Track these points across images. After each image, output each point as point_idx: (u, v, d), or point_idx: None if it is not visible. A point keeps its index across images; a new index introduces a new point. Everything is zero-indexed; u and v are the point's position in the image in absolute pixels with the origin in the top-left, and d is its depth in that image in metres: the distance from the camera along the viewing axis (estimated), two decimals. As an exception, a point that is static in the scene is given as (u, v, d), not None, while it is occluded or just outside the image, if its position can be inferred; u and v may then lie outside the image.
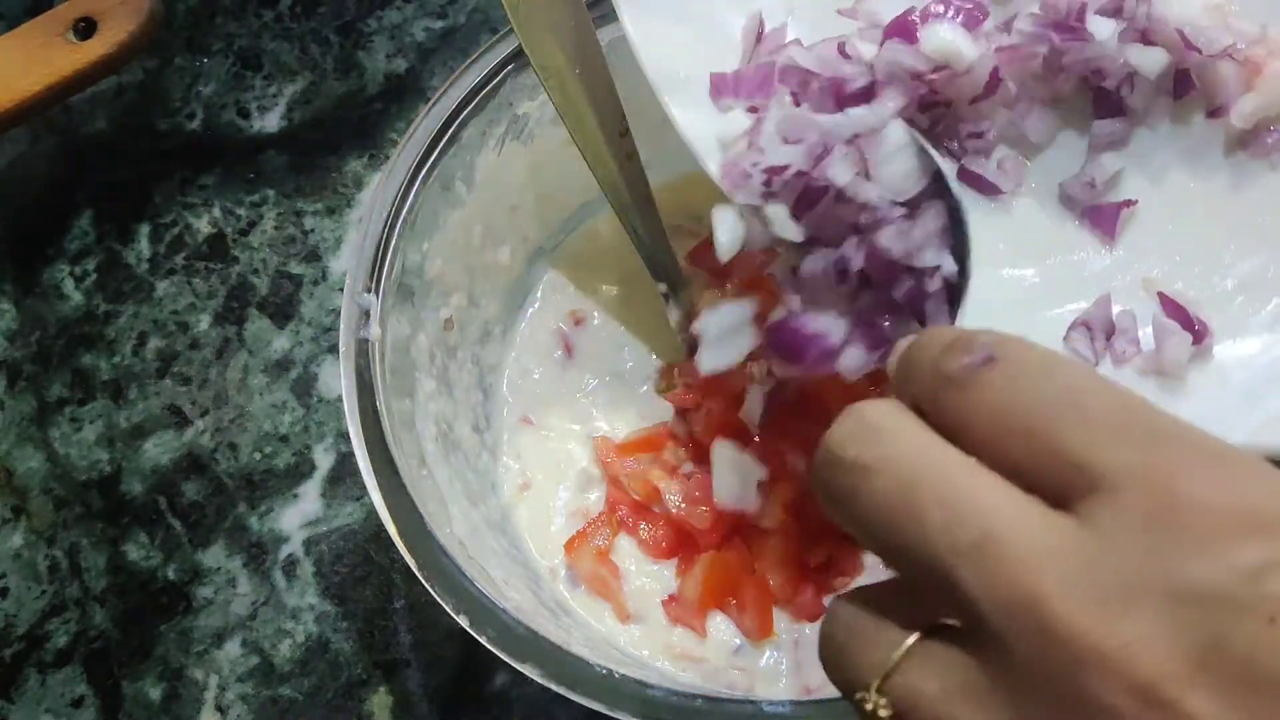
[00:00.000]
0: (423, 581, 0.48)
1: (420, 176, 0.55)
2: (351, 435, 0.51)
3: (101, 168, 0.79)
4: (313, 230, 0.76)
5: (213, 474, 0.70)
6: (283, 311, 0.74)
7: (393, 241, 0.54)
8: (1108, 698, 0.26)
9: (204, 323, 0.74)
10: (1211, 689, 0.25)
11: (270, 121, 0.80)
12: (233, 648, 0.65)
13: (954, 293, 0.45)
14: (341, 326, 0.53)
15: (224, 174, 0.78)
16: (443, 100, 0.56)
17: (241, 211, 0.77)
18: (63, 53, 0.71)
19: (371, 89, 0.80)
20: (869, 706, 0.30)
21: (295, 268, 0.75)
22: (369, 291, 0.53)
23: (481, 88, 0.57)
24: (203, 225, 0.77)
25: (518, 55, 0.57)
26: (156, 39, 0.75)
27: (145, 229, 0.77)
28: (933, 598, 0.29)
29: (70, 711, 0.65)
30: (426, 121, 0.56)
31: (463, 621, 0.47)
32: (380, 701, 0.63)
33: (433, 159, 0.56)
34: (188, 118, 0.80)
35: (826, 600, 0.57)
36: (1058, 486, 0.29)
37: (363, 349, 0.52)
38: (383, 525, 0.49)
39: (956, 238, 0.45)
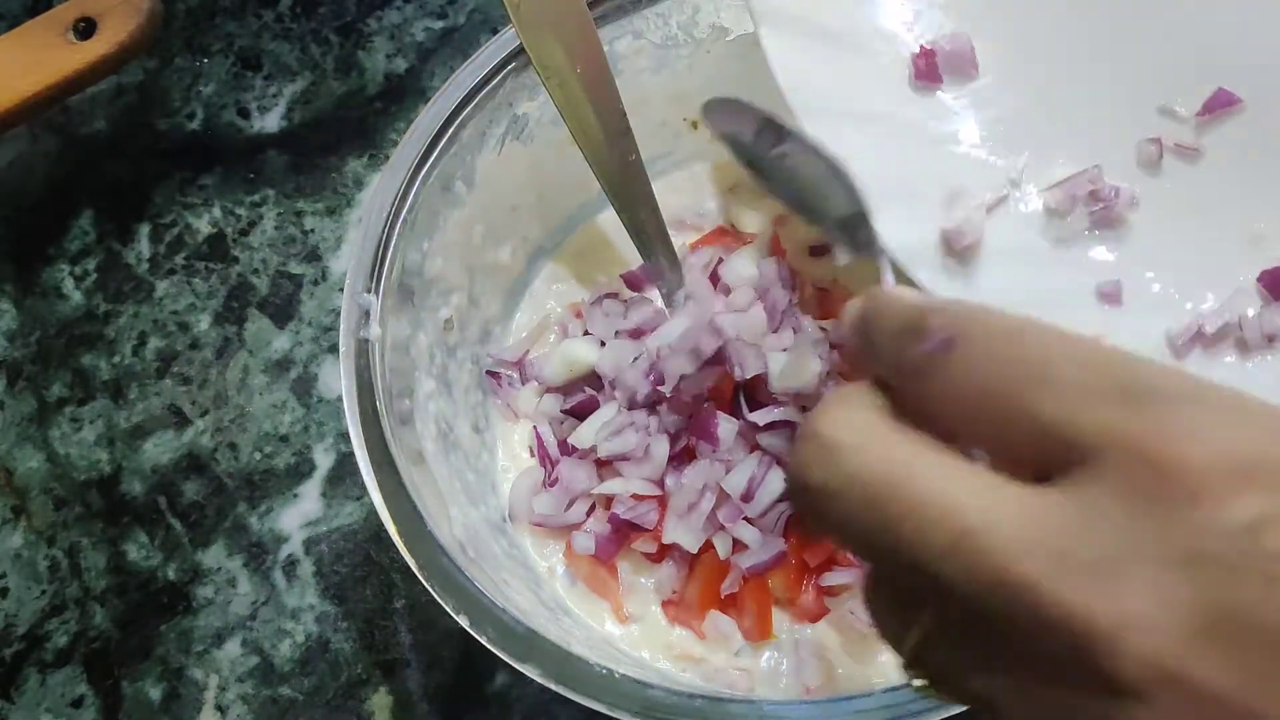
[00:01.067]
0: (423, 581, 0.48)
1: (420, 176, 0.55)
2: (351, 435, 0.51)
3: (101, 168, 0.79)
4: (313, 230, 0.76)
5: (213, 474, 0.70)
6: (283, 311, 0.74)
7: (393, 241, 0.54)
8: (1112, 677, 0.25)
9: (204, 323, 0.74)
10: (1219, 656, 0.24)
11: (270, 121, 0.80)
12: (233, 648, 0.65)
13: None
14: (342, 326, 0.53)
15: (224, 174, 0.78)
16: (442, 100, 0.56)
17: (241, 211, 0.77)
18: (63, 53, 0.71)
19: (371, 89, 0.80)
20: (916, 683, 0.30)
21: (295, 268, 0.75)
22: (369, 291, 0.53)
23: (481, 87, 0.57)
24: (203, 225, 0.77)
25: (518, 55, 0.57)
26: (156, 39, 0.75)
27: (145, 229, 0.77)
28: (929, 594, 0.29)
29: (70, 711, 0.65)
30: (426, 121, 0.56)
31: (463, 621, 0.47)
32: (380, 701, 0.63)
33: (433, 159, 0.56)
34: (188, 118, 0.80)
35: (827, 601, 0.57)
36: (1037, 461, 0.28)
37: (363, 349, 0.52)
38: (383, 525, 0.49)
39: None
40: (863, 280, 0.64)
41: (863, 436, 0.30)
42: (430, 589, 0.48)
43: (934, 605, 0.29)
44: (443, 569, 0.48)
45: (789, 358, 0.56)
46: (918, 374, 0.30)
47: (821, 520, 0.30)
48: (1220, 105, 0.51)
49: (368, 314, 0.53)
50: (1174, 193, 0.51)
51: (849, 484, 0.29)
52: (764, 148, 0.45)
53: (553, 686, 0.46)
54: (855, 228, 0.40)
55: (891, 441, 0.29)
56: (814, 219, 0.43)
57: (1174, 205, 0.51)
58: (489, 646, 0.47)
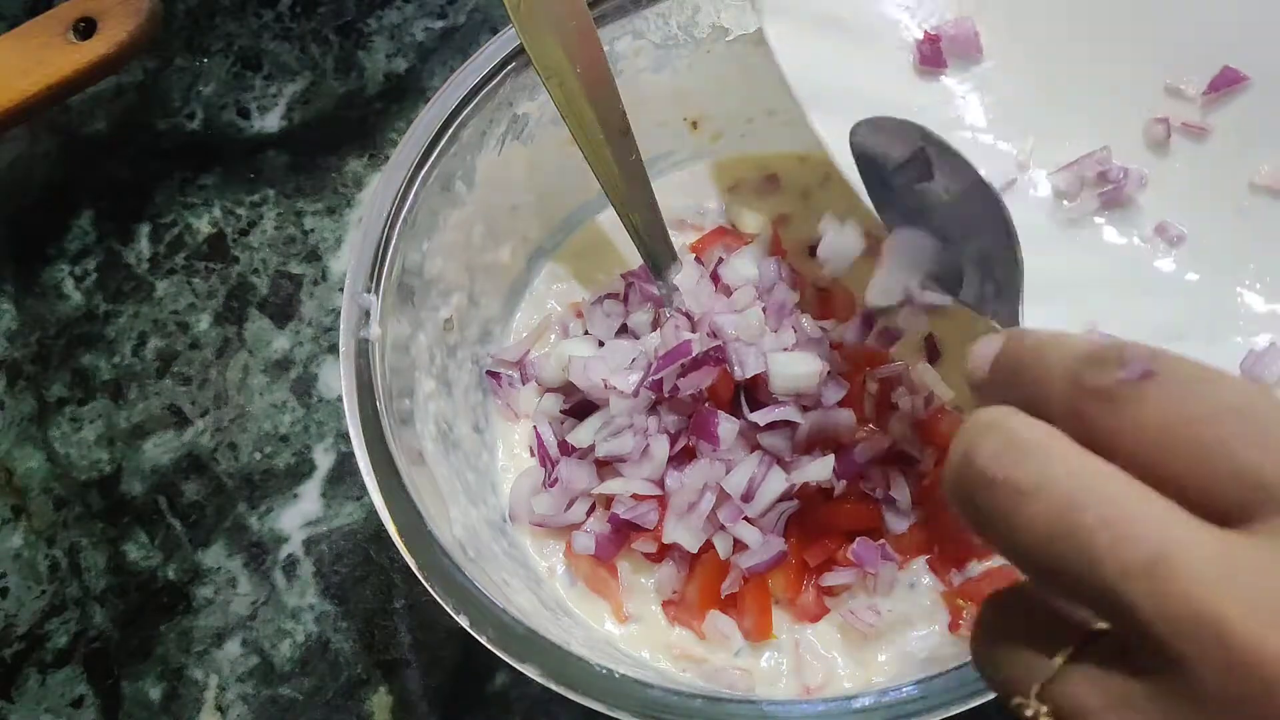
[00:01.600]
0: (423, 581, 0.48)
1: (420, 176, 0.55)
2: (351, 435, 0.51)
3: (101, 168, 0.79)
4: (313, 230, 0.76)
5: (213, 474, 0.70)
6: (283, 311, 0.74)
7: (393, 241, 0.54)
8: None
9: (204, 323, 0.74)
10: None
11: (270, 121, 0.80)
12: (233, 648, 0.65)
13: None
14: (342, 326, 0.53)
15: (224, 174, 0.78)
16: (442, 100, 0.56)
17: (241, 211, 0.77)
18: (63, 53, 0.71)
19: (371, 89, 0.80)
20: (1029, 713, 0.29)
21: (295, 268, 0.75)
22: (369, 291, 0.53)
23: (481, 87, 0.57)
24: (203, 225, 0.77)
25: (518, 55, 0.57)
26: (156, 39, 0.75)
27: (145, 229, 0.77)
28: (1098, 615, 0.28)
29: (70, 711, 0.65)
30: (426, 121, 0.56)
31: (463, 621, 0.47)
32: (380, 701, 0.63)
33: (433, 159, 0.56)
34: (188, 118, 0.80)
35: (827, 601, 0.57)
36: (1231, 505, 0.27)
37: (363, 349, 0.52)
38: (383, 525, 0.49)
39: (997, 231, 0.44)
40: (863, 281, 0.65)
41: (1057, 442, 0.29)
42: (430, 589, 0.48)
43: (1091, 633, 0.28)
44: (443, 569, 0.48)
45: (792, 358, 0.56)
46: (1106, 401, 0.29)
47: (997, 521, 0.29)
48: (1226, 83, 0.50)
49: (368, 314, 0.53)
50: (1182, 172, 0.51)
51: (1042, 485, 0.28)
52: (908, 176, 0.45)
53: (553, 686, 0.46)
54: (992, 268, 0.40)
55: (1086, 454, 0.29)
56: (944, 259, 0.43)
57: (1182, 185, 0.51)
58: (489, 646, 0.47)
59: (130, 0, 0.72)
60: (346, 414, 0.51)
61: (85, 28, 0.72)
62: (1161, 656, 0.26)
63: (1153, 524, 0.27)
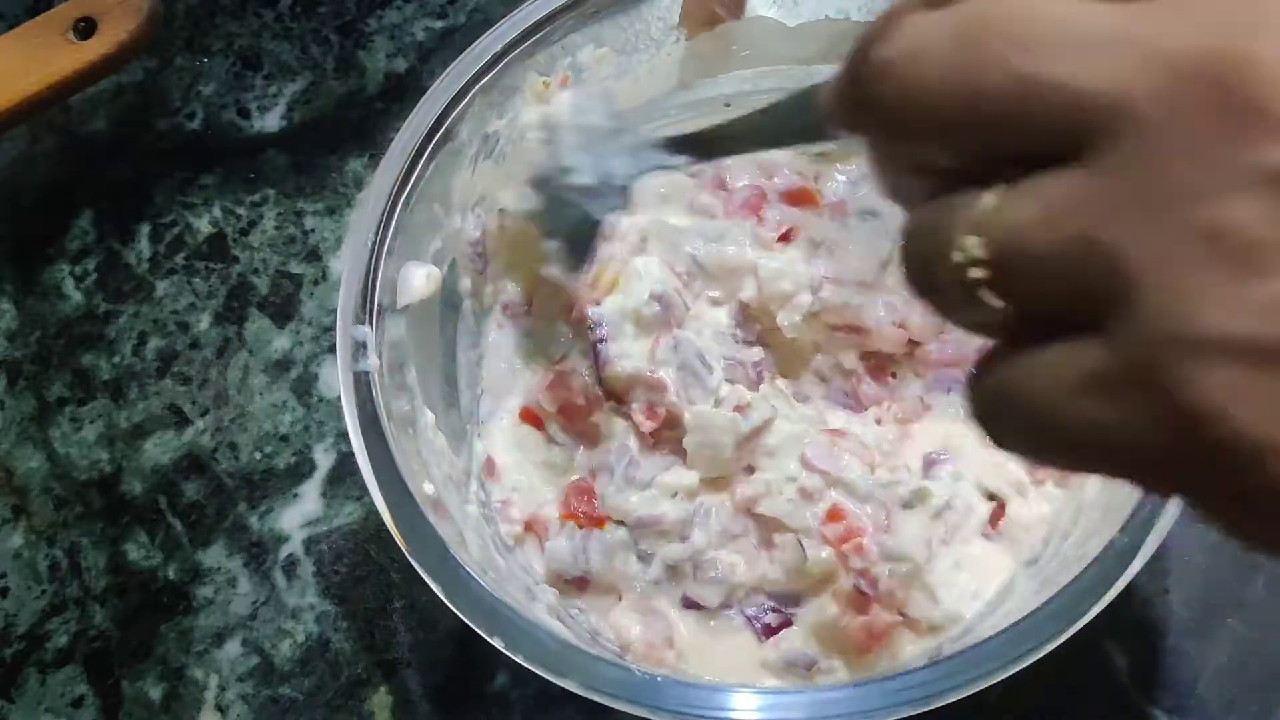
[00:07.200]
0: (453, 609, 0.47)
1: (399, 205, 0.55)
2: (368, 485, 0.50)
3: (101, 168, 0.79)
4: (313, 230, 0.76)
5: (213, 474, 0.70)
6: (283, 311, 0.74)
7: (379, 271, 0.54)
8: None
9: (204, 322, 0.74)
10: None
11: (270, 121, 0.80)
12: (233, 647, 0.65)
13: None
14: (339, 359, 0.53)
15: (224, 174, 0.78)
16: (411, 129, 0.57)
17: (241, 211, 0.77)
18: (63, 53, 0.71)
19: (371, 89, 0.80)
20: (957, 258, 0.25)
21: (295, 267, 0.75)
22: (360, 323, 0.53)
23: (449, 113, 0.57)
24: (203, 225, 0.77)
25: (484, 73, 0.57)
26: (156, 39, 0.75)
27: (145, 229, 0.77)
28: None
29: (70, 711, 0.65)
30: (396, 153, 0.56)
31: (497, 643, 0.46)
32: (380, 701, 0.63)
33: (409, 187, 0.56)
34: (188, 118, 0.80)
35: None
36: None
37: (361, 380, 0.52)
38: (383, 525, 0.49)
39: None
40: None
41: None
42: (457, 611, 0.47)
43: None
44: (472, 592, 0.48)
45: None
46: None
47: (905, 89, 0.26)
48: None
49: (364, 345, 0.53)
50: None
51: (935, 28, 0.26)
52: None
53: (596, 698, 0.45)
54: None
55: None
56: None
57: None
58: (527, 665, 0.46)
59: (130, 0, 0.72)
60: (357, 455, 0.51)
61: (85, 28, 0.72)
62: (1103, 136, 0.23)
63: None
